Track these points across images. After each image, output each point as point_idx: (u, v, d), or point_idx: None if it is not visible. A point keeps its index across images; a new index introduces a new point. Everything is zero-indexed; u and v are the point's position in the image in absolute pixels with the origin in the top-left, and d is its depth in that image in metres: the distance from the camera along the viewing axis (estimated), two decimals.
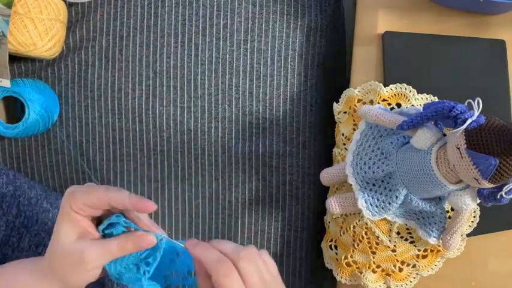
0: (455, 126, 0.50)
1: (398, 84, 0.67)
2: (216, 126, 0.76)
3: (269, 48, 0.76)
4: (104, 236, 0.48)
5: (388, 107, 0.66)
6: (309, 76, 0.77)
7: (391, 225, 0.65)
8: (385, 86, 0.67)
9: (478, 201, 0.55)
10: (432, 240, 0.62)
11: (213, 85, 0.76)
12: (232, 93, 0.76)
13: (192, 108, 0.76)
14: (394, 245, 0.66)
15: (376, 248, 0.66)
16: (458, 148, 0.49)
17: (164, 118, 0.76)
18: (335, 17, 0.81)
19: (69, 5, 0.77)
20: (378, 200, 0.60)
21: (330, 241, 0.72)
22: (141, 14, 0.76)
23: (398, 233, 0.66)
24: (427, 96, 0.67)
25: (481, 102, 0.48)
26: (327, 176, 0.67)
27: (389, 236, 0.66)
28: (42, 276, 0.47)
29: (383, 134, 0.62)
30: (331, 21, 0.80)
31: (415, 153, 0.55)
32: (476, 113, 0.48)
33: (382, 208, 0.60)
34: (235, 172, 0.76)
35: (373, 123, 0.62)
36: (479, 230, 0.65)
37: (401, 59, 0.69)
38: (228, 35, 0.76)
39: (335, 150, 0.71)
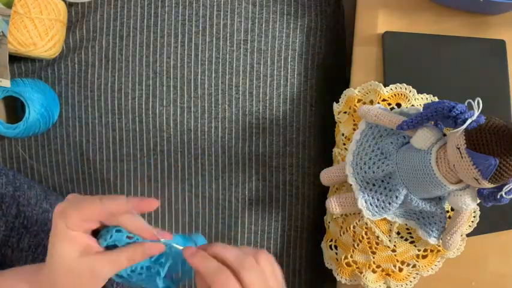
0: (455, 126, 0.50)
1: (398, 84, 0.67)
2: (216, 126, 0.76)
3: (269, 48, 0.76)
4: (106, 247, 0.48)
5: (388, 107, 0.66)
6: (309, 76, 0.77)
7: (391, 225, 0.65)
8: (385, 86, 0.67)
9: (478, 201, 0.55)
10: (432, 240, 0.62)
11: (213, 85, 0.76)
12: (232, 93, 0.76)
13: (192, 108, 0.76)
14: (394, 245, 0.66)
15: (376, 248, 0.66)
16: (458, 148, 0.49)
17: (164, 118, 0.76)
18: (335, 17, 0.81)
19: (69, 5, 0.77)
20: (378, 200, 0.60)
21: (330, 241, 0.72)
22: (141, 14, 0.76)
23: (398, 233, 0.66)
24: (427, 96, 0.67)
25: (481, 102, 0.48)
26: (327, 176, 0.67)
27: (389, 236, 0.66)
28: None
29: (383, 134, 0.62)
30: (331, 21, 0.80)
31: (415, 153, 0.55)
32: (476, 113, 0.48)
33: (382, 208, 0.60)
34: (235, 172, 0.76)
35: (373, 123, 0.62)
36: (479, 230, 0.65)
37: (401, 59, 0.69)
38: (228, 35, 0.76)
39: (335, 150, 0.71)
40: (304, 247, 0.78)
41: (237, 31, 0.76)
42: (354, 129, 0.67)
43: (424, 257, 0.66)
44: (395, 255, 0.66)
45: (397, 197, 0.58)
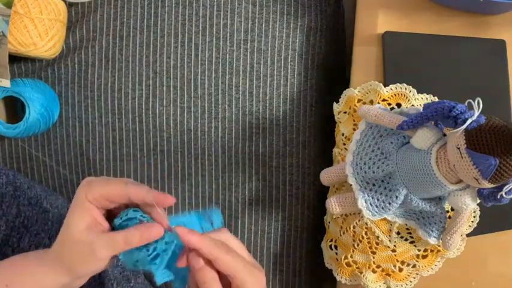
0: (455, 126, 0.50)
1: (398, 84, 0.67)
2: (216, 126, 0.76)
3: (269, 48, 0.76)
4: (119, 228, 0.48)
5: (388, 107, 0.66)
6: (309, 76, 0.77)
7: (391, 225, 0.65)
8: (385, 86, 0.67)
9: (478, 201, 0.55)
10: (432, 240, 0.62)
11: (213, 85, 0.76)
12: (232, 93, 0.76)
13: (192, 108, 0.76)
14: (394, 245, 0.66)
15: (376, 248, 0.66)
16: (458, 148, 0.49)
17: (164, 118, 0.76)
18: (335, 17, 0.81)
19: (69, 5, 0.77)
20: (378, 200, 0.60)
21: (330, 241, 0.72)
22: (141, 14, 0.76)
23: (398, 233, 0.66)
24: (427, 96, 0.67)
25: (481, 102, 0.48)
26: (327, 176, 0.67)
27: (389, 236, 0.66)
28: (48, 265, 0.48)
29: (383, 134, 0.62)
30: (331, 21, 0.80)
31: (415, 153, 0.55)
32: (476, 113, 0.48)
33: (382, 208, 0.60)
34: (235, 172, 0.76)
35: (373, 123, 0.62)
36: (479, 230, 0.65)
37: (401, 59, 0.69)
38: (228, 35, 0.76)
39: (335, 150, 0.71)
40: (304, 247, 0.78)
41: (237, 31, 0.76)
42: (354, 129, 0.67)
43: (424, 257, 0.66)
44: (395, 255, 0.66)
45: (397, 197, 0.58)
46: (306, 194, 0.77)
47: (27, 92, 0.71)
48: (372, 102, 0.67)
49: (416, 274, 0.67)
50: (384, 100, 0.67)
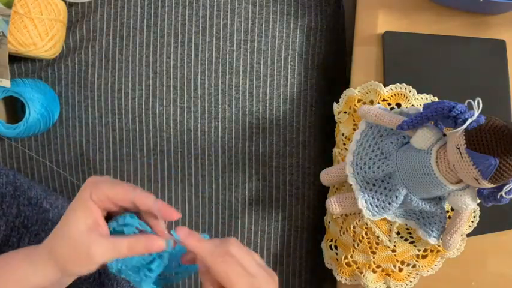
0: (455, 126, 0.50)
1: (398, 84, 0.67)
2: (216, 126, 0.76)
3: (269, 48, 0.76)
4: (113, 232, 0.48)
5: (388, 107, 0.66)
6: (309, 76, 0.77)
7: (391, 225, 0.65)
8: (385, 86, 0.67)
9: (478, 201, 0.55)
10: (432, 240, 0.62)
11: (213, 85, 0.76)
12: (232, 93, 0.76)
13: (192, 108, 0.76)
14: (394, 245, 0.66)
15: (376, 248, 0.66)
16: (458, 148, 0.49)
17: (164, 118, 0.76)
18: (335, 17, 0.81)
19: (69, 5, 0.77)
20: (378, 200, 0.60)
21: (330, 241, 0.72)
22: (141, 14, 0.76)
23: (398, 233, 0.66)
24: (427, 96, 0.67)
25: (481, 102, 0.48)
26: (327, 176, 0.67)
27: (389, 236, 0.66)
28: (38, 261, 0.46)
29: (383, 134, 0.62)
30: (331, 21, 0.80)
31: (415, 153, 0.55)
32: (476, 113, 0.48)
33: (382, 208, 0.60)
34: (235, 172, 0.76)
35: (373, 123, 0.62)
36: (479, 230, 0.65)
37: (401, 59, 0.69)
38: (228, 35, 0.76)
39: (335, 150, 0.71)
40: (304, 247, 0.78)
41: (237, 31, 0.76)
42: (354, 129, 0.67)
43: (424, 257, 0.66)
44: (395, 255, 0.66)
45: (397, 197, 0.58)
46: (306, 194, 0.77)
47: (27, 92, 0.71)
48: (372, 102, 0.67)
49: (416, 274, 0.67)
50: (384, 100, 0.67)
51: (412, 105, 0.66)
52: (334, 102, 0.70)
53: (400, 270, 0.66)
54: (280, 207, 0.77)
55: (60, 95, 0.77)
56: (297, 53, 0.77)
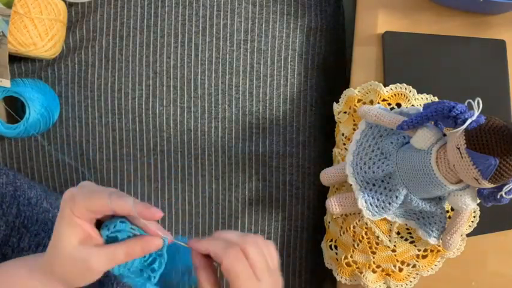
0: (455, 126, 0.50)
1: (398, 84, 0.67)
2: (216, 126, 0.76)
3: (269, 48, 0.76)
4: (107, 239, 0.47)
5: (388, 107, 0.66)
6: (309, 76, 0.77)
7: (391, 225, 0.65)
8: (385, 86, 0.67)
9: (478, 201, 0.55)
10: (432, 240, 0.62)
11: (213, 85, 0.76)
12: (232, 93, 0.76)
13: (192, 108, 0.76)
14: (394, 245, 0.66)
15: (376, 248, 0.66)
16: (458, 148, 0.49)
17: (164, 118, 0.76)
18: (335, 17, 0.81)
19: (69, 5, 0.77)
20: (378, 200, 0.60)
21: (330, 241, 0.72)
22: (141, 14, 0.76)
23: (398, 233, 0.66)
24: (427, 96, 0.67)
25: (481, 102, 0.48)
26: (327, 176, 0.67)
27: (389, 236, 0.66)
28: (41, 274, 0.47)
29: (383, 134, 0.62)
30: (331, 21, 0.80)
31: (415, 153, 0.55)
32: (476, 113, 0.48)
33: (382, 208, 0.60)
34: (235, 172, 0.76)
35: (373, 123, 0.62)
36: (479, 230, 0.65)
37: (401, 59, 0.69)
38: (228, 35, 0.76)
39: (335, 150, 0.71)
40: (304, 247, 0.78)
41: (237, 31, 0.76)
42: (354, 129, 0.67)
43: (424, 257, 0.66)
44: (395, 255, 0.66)
45: (397, 197, 0.58)
46: (306, 194, 0.77)
47: (27, 92, 0.71)
48: (372, 102, 0.67)
49: (416, 274, 0.67)
50: (384, 100, 0.67)
51: (412, 105, 0.66)
52: (334, 102, 0.70)
53: (400, 270, 0.66)
54: (280, 207, 0.77)
55: (60, 95, 0.77)
56: (297, 53, 0.77)
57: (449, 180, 0.53)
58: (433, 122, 0.56)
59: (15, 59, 0.76)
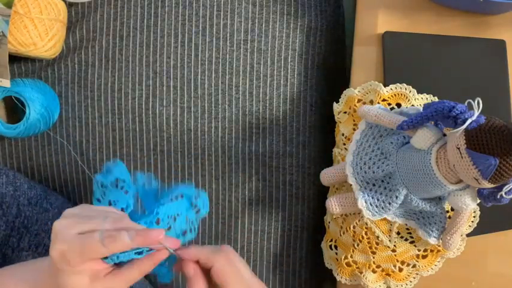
0: (455, 126, 0.50)
1: (398, 84, 0.67)
2: (216, 126, 0.76)
3: (269, 48, 0.76)
4: (117, 260, 0.47)
5: (388, 107, 0.66)
6: (309, 76, 0.77)
7: (391, 225, 0.65)
8: (385, 86, 0.67)
9: (478, 201, 0.55)
10: (432, 240, 0.62)
11: (213, 85, 0.76)
12: (232, 93, 0.76)
13: (192, 108, 0.76)
14: (394, 245, 0.66)
15: (376, 248, 0.66)
16: (458, 148, 0.49)
17: (164, 118, 0.76)
18: (335, 17, 0.81)
19: (69, 5, 0.77)
20: (378, 200, 0.60)
21: (330, 241, 0.72)
22: (141, 14, 0.76)
23: (398, 233, 0.66)
24: (427, 96, 0.67)
25: (481, 102, 0.48)
26: (327, 176, 0.67)
27: (389, 236, 0.66)
28: None
29: (383, 134, 0.62)
30: (331, 21, 0.80)
31: (415, 153, 0.55)
32: (476, 113, 0.48)
33: (382, 208, 0.60)
34: (235, 172, 0.76)
35: (373, 123, 0.62)
36: (479, 230, 0.65)
37: (401, 59, 0.69)
38: (228, 35, 0.76)
39: (335, 150, 0.71)
40: (304, 247, 0.78)
41: (237, 31, 0.76)
42: (354, 129, 0.68)
43: (424, 257, 0.66)
44: (395, 255, 0.66)
45: (397, 197, 0.58)
46: (306, 194, 0.77)
47: (27, 92, 0.71)
48: (372, 102, 0.67)
49: (416, 274, 0.67)
50: (384, 100, 0.67)
51: (412, 105, 0.66)
52: (334, 102, 0.70)
53: (400, 270, 0.66)
54: (280, 207, 0.77)
55: (60, 95, 0.77)
56: (297, 53, 0.77)
57: (449, 180, 0.53)
58: (433, 122, 0.56)
59: (15, 59, 0.76)
